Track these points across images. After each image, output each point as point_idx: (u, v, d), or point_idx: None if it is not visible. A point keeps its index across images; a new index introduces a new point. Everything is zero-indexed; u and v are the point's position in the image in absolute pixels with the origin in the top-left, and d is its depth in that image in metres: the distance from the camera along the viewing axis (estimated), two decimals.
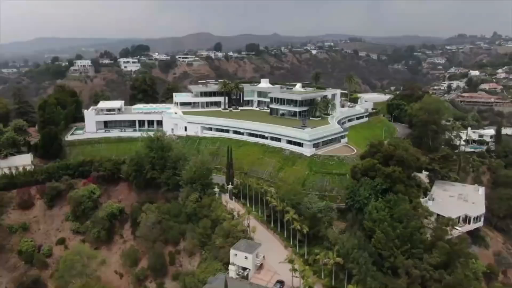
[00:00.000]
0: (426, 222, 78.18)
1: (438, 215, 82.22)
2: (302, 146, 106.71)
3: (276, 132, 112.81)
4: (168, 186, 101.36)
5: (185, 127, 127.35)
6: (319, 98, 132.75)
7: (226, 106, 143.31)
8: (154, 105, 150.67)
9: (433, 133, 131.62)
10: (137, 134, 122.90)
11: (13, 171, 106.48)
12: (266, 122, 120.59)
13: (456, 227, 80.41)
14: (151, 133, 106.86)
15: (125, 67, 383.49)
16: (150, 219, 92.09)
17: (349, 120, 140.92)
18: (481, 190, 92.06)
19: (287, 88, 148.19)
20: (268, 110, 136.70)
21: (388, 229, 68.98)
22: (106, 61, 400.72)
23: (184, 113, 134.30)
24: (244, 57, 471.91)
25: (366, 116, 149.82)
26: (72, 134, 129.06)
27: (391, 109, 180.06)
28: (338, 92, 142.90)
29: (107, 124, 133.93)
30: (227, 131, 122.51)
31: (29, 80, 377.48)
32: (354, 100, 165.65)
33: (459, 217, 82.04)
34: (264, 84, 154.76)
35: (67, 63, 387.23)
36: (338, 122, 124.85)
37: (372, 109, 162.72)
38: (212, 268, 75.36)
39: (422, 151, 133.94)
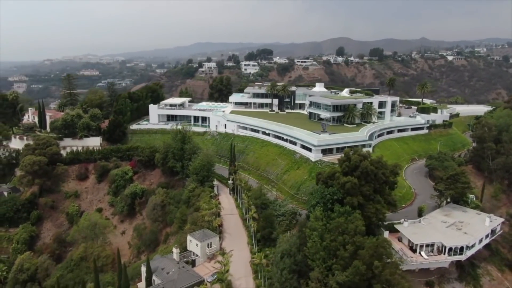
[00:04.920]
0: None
1: (409, 240, 72.91)
2: (310, 151, 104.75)
3: (292, 135, 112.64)
4: (182, 174, 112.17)
5: (225, 125, 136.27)
6: (360, 105, 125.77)
7: (273, 108, 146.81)
8: (215, 104, 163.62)
9: (493, 152, 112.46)
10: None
11: (79, 149, 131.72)
12: (297, 126, 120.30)
13: (423, 255, 70.33)
14: (179, 126, 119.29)
15: (245, 69, 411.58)
16: (155, 201, 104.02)
17: (400, 131, 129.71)
18: (488, 221, 76.22)
19: (335, 93, 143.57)
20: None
21: (317, 239, 65.82)
22: (230, 64, 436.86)
23: (232, 112, 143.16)
24: (366, 63, 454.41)
25: (427, 127, 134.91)
26: (138, 124, 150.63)
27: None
28: (389, 99, 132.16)
29: (170, 118, 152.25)
30: (257, 131, 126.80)
31: (167, 79, 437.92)
32: (424, 110, 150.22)
33: (433, 244, 70.93)
34: (318, 88, 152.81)
35: (197, 65, 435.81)
36: (374, 132, 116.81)
37: (444, 121, 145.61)
38: (168, 250, 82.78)
39: (478, 171, 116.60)
